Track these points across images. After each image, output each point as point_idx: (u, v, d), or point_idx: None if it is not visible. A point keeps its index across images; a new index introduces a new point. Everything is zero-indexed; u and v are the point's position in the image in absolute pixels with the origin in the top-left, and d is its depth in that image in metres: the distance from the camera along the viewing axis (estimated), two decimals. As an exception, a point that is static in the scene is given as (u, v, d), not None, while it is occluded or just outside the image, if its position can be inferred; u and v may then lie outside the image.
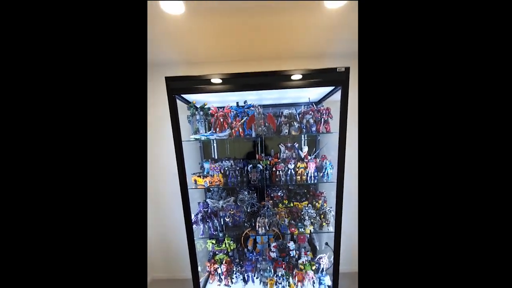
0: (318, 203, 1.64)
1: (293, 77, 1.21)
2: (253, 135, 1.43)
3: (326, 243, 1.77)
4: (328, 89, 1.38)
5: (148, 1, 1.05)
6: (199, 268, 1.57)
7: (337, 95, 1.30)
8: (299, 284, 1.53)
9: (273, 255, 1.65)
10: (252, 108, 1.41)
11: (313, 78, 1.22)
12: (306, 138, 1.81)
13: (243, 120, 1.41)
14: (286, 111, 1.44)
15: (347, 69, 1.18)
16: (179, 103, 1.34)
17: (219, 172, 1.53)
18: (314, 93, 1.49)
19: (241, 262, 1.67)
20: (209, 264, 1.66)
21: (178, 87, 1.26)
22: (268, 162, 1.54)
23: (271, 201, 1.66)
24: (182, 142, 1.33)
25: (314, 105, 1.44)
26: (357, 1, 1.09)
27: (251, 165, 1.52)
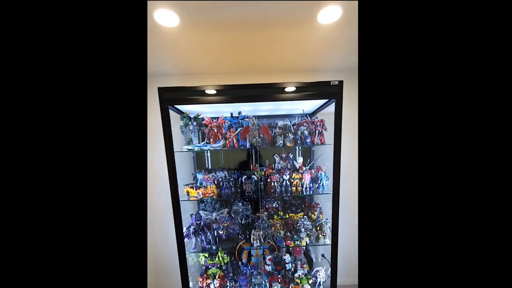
0: (314, 215, 1.61)
1: (287, 90, 1.22)
2: (248, 146, 1.42)
3: (323, 255, 1.73)
4: (321, 101, 1.40)
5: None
6: (191, 284, 1.50)
7: (331, 108, 1.31)
8: (295, 299, 1.48)
9: (268, 268, 1.60)
10: (246, 119, 1.40)
11: (307, 91, 1.23)
12: (300, 149, 1.81)
13: (237, 131, 1.40)
14: (280, 123, 1.44)
15: (341, 83, 1.20)
16: (172, 113, 1.32)
17: (213, 183, 1.50)
18: (308, 105, 1.50)
19: (235, 277, 1.62)
20: (201, 279, 1.59)
21: (171, 97, 1.25)
22: (263, 173, 1.52)
23: (266, 213, 1.63)
24: (175, 152, 1.30)
25: (309, 117, 1.45)
26: (353, 14, 1.12)
27: (245, 176, 1.50)
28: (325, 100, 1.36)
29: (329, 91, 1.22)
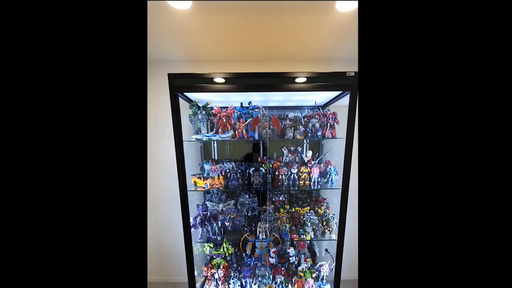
0: (321, 209, 1.60)
1: (300, 80, 1.17)
2: (257, 137, 1.39)
3: (326, 250, 1.73)
4: (334, 93, 1.35)
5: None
6: (196, 273, 1.52)
7: (344, 100, 1.26)
8: (299, 292, 1.49)
9: (272, 260, 1.60)
10: (256, 110, 1.37)
11: (321, 81, 1.18)
12: (308, 143, 1.77)
13: (247, 122, 1.37)
14: (291, 114, 1.40)
15: (357, 74, 1.15)
16: (181, 101, 1.29)
17: (220, 174, 1.48)
18: (321, 96, 1.45)
19: (239, 268, 1.63)
20: (206, 269, 1.60)
21: (181, 84, 1.22)
22: (271, 166, 1.49)
23: (272, 206, 1.62)
24: (183, 142, 1.28)
25: (321, 109, 1.41)
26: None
27: (253, 168, 1.48)
28: (338, 92, 1.32)
29: (344, 83, 1.18)
